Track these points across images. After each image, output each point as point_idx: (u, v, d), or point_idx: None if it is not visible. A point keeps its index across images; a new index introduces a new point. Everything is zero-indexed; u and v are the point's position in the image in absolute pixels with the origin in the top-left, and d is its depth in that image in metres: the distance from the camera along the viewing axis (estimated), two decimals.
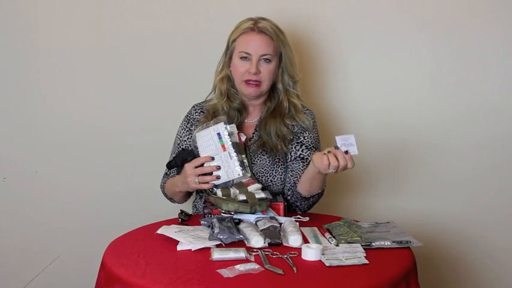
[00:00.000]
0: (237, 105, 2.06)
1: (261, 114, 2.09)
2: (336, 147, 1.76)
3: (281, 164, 2.04)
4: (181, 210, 1.94)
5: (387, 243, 1.66)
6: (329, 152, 1.76)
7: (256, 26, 1.99)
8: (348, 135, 1.77)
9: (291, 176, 2.02)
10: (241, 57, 1.99)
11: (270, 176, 2.02)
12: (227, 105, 2.05)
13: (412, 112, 2.46)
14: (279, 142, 2.02)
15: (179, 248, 1.64)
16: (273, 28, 2.01)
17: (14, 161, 2.44)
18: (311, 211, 2.05)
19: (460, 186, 2.47)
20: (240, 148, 1.92)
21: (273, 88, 2.08)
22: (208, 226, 1.74)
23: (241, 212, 1.80)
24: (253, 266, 1.50)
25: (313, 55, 2.45)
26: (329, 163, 1.74)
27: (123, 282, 1.47)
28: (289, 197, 2.02)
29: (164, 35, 2.42)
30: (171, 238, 1.67)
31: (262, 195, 1.83)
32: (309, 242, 1.68)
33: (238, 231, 1.70)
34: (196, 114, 2.11)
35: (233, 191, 1.86)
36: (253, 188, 1.87)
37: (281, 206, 1.92)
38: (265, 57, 1.99)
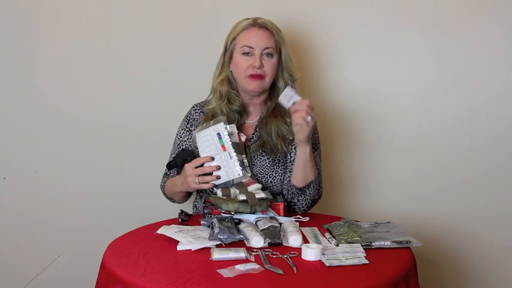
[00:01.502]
0: (237, 107, 2.06)
1: (261, 114, 2.10)
2: (289, 109, 1.87)
3: (281, 165, 2.04)
4: (181, 210, 1.94)
5: (387, 243, 1.66)
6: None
7: (256, 22, 2.01)
8: (285, 92, 1.87)
9: (289, 177, 2.02)
10: (243, 53, 2.00)
11: (270, 177, 2.02)
12: (227, 107, 2.05)
13: (412, 111, 2.47)
14: (279, 142, 2.02)
15: (179, 248, 1.64)
16: (272, 25, 2.03)
17: (14, 161, 2.45)
18: (311, 211, 2.05)
19: (460, 186, 2.47)
20: (240, 148, 1.92)
21: (272, 87, 2.08)
22: (208, 226, 1.74)
23: (241, 212, 1.79)
24: (253, 266, 1.50)
25: (312, 55, 2.45)
26: (297, 122, 1.83)
27: (123, 282, 1.47)
28: (285, 195, 2.01)
29: (164, 36, 2.42)
30: (171, 238, 1.67)
31: (262, 195, 1.83)
32: (309, 242, 1.68)
33: (238, 231, 1.70)
34: (196, 114, 2.11)
35: (233, 191, 1.86)
36: (253, 188, 1.87)
37: (281, 206, 1.92)
38: (267, 50, 1.99)
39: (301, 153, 1.92)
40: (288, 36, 2.09)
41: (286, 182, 2.02)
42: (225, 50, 2.06)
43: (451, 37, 2.41)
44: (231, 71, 2.06)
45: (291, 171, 2.01)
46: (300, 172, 1.95)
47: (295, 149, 2.04)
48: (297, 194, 1.99)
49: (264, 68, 2.00)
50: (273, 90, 2.09)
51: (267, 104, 2.09)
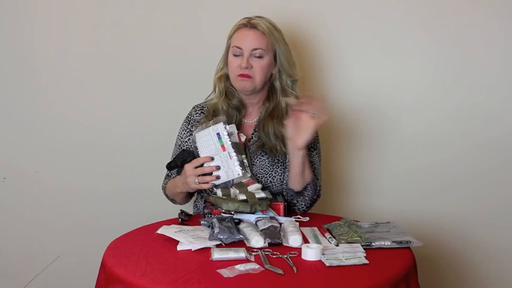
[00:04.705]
0: (236, 103, 2.07)
1: (260, 114, 2.10)
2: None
3: (280, 165, 2.04)
4: (181, 210, 1.94)
5: (387, 243, 1.66)
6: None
7: (249, 22, 2.01)
8: None
9: (287, 180, 2.02)
10: (234, 53, 2.00)
11: (270, 177, 2.02)
12: (225, 103, 2.06)
13: (412, 111, 2.46)
14: (278, 143, 2.02)
15: (179, 248, 1.64)
16: (267, 25, 2.01)
17: (14, 161, 2.45)
18: (311, 211, 2.05)
19: (460, 186, 2.47)
20: (240, 148, 1.92)
21: (272, 88, 2.08)
22: (208, 226, 1.74)
23: (241, 212, 1.79)
24: (253, 266, 1.50)
25: (312, 54, 2.45)
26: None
27: (123, 282, 1.47)
28: (286, 197, 2.01)
29: (164, 38, 2.42)
30: (171, 238, 1.67)
31: (262, 194, 1.83)
32: (309, 242, 1.68)
33: (238, 231, 1.70)
34: (197, 115, 2.11)
35: (233, 190, 1.86)
36: (253, 187, 1.87)
37: (281, 206, 1.92)
38: (256, 51, 1.99)
39: (299, 159, 1.91)
40: (288, 35, 2.09)
41: (284, 184, 2.02)
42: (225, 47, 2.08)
43: (452, 36, 2.41)
44: (227, 68, 2.07)
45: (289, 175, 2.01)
46: (298, 177, 1.95)
47: None
48: (295, 196, 1.99)
49: (253, 69, 1.99)
50: (271, 91, 2.09)
51: (266, 105, 2.09)
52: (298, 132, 1.87)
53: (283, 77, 2.05)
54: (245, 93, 2.05)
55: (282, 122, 2.03)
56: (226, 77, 2.07)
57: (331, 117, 1.80)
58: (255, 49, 1.99)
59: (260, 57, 2.00)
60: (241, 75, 2.00)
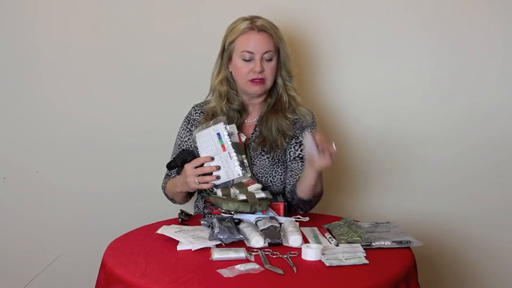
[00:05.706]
0: (237, 106, 2.07)
1: (261, 113, 2.10)
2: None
3: (281, 164, 2.04)
4: (181, 210, 1.94)
5: (387, 243, 1.66)
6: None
7: (254, 25, 2.00)
8: (308, 141, 1.76)
9: (290, 176, 2.02)
10: (243, 58, 2.00)
11: (270, 177, 2.02)
12: (227, 106, 2.05)
13: (411, 111, 2.46)
14: (279, 137, 2.02)
15: (179, 248, 1.64)
16: (270, 25, 2.02)
17: (14, 161, 2.45)
18: (311, 211, 2.04)
19: (460, 186, 2.47)
20: (240, 148, 1.92)
21: (273, 84, 2.08)
22: (208, 226, 1.74)
23: (241, 212, 1.79)
24: (253, 266, 1.50)
25: (311, 54, 2.45)
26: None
27: (123, 282, 1.47)
28: (289, 200, 2.01)
29: (164, 37, 2.42)
30: (171, 238, 1.68)
31: (262, 195, 1.83)
32: (309, 242, 1.68)
33: (238, 231, 1.70)
34: (197, 114, 2.11)
35: (233, 191, 1.86)
36: (253, 188, 1.87)
37: (281, 206, 1.92)
38: (267, 55, 1.99)
39: (315, 174, 1.87)
40: (288, 35, 2.09)
41: (290, 189, 2.01)
42: (223, 50, 2.06)
43: (451, 38, 2.41)
44: (230, 72, 2.06)
45: (292, 170, 2.01)
46: (310, 190, 1.93)
47: (294, 147, 2.04)
48: (302, 202, 1.98)
49: (265, 72, 2.00)
50: (272, 88, 2.09)
51: (267, 101, 2.09)
52: (319, 157, 1.78)
53: (283, 73, 2.07)
54: (255, 95, 2.06)
55: (284, 116, 2.04)
56: (227, 80, 2.07)
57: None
58: (266, 52, 1.99)
59: (270, 59, 2.01)
60: (255, 81, 2.00)
